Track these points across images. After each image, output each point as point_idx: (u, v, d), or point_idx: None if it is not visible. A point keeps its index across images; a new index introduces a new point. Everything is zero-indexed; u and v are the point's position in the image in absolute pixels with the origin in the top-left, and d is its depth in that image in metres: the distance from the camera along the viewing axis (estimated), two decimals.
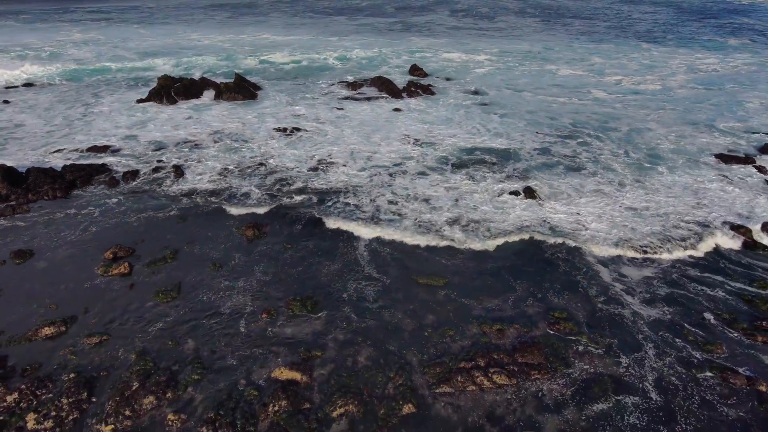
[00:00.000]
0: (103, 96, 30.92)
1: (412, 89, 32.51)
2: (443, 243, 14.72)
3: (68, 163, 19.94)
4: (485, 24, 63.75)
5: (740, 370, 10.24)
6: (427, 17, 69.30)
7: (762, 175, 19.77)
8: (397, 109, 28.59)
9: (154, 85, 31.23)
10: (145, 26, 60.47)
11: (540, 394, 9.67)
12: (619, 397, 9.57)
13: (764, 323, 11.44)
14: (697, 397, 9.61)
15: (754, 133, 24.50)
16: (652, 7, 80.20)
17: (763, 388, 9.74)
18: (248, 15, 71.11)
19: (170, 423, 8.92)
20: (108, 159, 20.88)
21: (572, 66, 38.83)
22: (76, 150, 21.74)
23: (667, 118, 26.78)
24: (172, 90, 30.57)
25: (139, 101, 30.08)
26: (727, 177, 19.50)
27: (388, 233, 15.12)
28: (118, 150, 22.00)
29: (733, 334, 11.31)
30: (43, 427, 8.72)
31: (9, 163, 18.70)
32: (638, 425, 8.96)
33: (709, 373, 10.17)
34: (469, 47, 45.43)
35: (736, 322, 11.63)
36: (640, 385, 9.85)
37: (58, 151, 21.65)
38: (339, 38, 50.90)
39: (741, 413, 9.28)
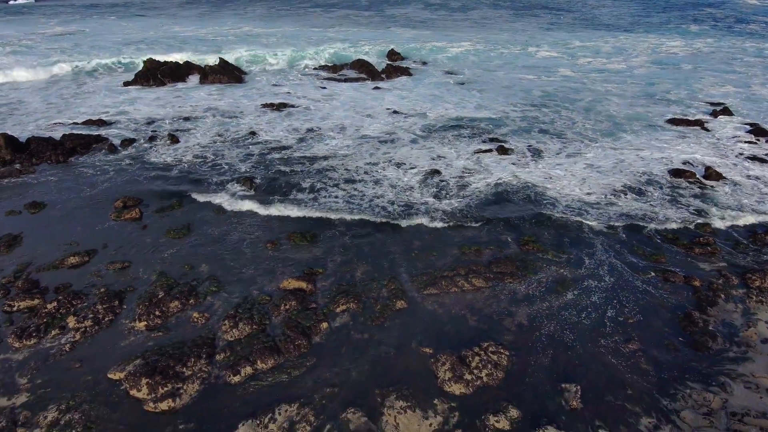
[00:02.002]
0: (88, 82, 31.52)
1: (391, 71, 34.04)
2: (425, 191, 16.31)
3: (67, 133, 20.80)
4: (460, 16, 65.76)
5: (678, 271, 12.10)
6: (403, 10, 70.92)
7: (708, 132, 21.97)
8: (377, 88, 30.13)
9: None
10: (125, 19, 60.43)
11: (512, 292, 11.34)
12: (577, 292, 11.31)
13: (701, 239, 13.36)
14: (641, 290, 11.43)
15: (705, 103, 26.86)
16: (617, 1, 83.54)
17: (697, 283, 11.60)
18: (226, 8, 71.50)
19: (195, 320, 10.26)
20: (104, 131, 21.82)
21: (548, 50, 40.97)
22: (74, 123, 22.57)
23: (628, 91, 29.04)
24: (159, 72, 31.41)
25: (126, 84, 30.86)
26: (679, 136, 21.64)
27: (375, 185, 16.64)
28: (112, 123, 22.94)
29: (675, 248, 13.20)
30: (83, 325, 9.95)
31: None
32: (592, 311, 10.70)
33: (652, 273, 12.00)
34: (454, 37, 47.15)
35: (678, 241, 13.52)
36: (595, 283, 11.61)
37: (55, 124, 22.47)
38: (323, 29, 52.07)
39: (679, 300, 11.11)
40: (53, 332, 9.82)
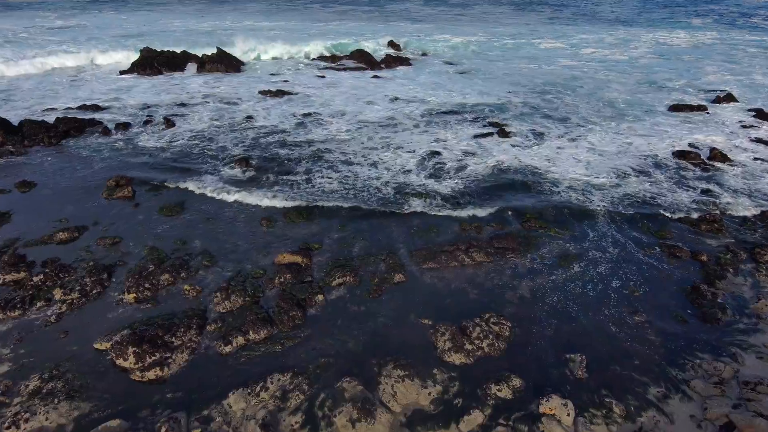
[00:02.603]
0: (84, 72, 31.19)
1: (390, 61, 33.72)
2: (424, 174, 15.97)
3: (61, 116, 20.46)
4: (460, 12, 65.49)
5: (684, 246, 11.76)
6: (402, 5, 70.69)
7: (711, 117, 21.64)
8: (376, 77, 29.81)
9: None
10: (125, 13, 60.15)
11: (514, 266, 11.00)
12: (581, 266, 10.97)
13: (707, 216, 13.01)
14: (647, 264, 11.09)
15: (707, 91, 26.54)
16: None
17: (704, 258, 11.25)
18: (227, 4, 71.22)
19: (186, 292, 9.92)
20: (98, 115, 21.48)
21: (549, 42, 40.66)
22: (67, 108, 22.24)
23: (629, 79, 28.72)
24: (156, 61, 31.08)
25: (122, 72, 30.54)
26: (682, 120, 21.30)
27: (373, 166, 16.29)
28: (106, 108, 22.61)
29: (681, 225, 12.85)
30: (70, 297, 9.61)
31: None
32: (597, 284, 10.35)
33: (657, 249, 11.66)
34: (454, 31, 46.82)
35: (685, 218, 13.17)
36: (599, 258, 11.27)
37: (49, 109, 22.13)
38: (323, 23, 51.79)
39: (686, 274, 10.77)
40: (39, 304, 9.49)
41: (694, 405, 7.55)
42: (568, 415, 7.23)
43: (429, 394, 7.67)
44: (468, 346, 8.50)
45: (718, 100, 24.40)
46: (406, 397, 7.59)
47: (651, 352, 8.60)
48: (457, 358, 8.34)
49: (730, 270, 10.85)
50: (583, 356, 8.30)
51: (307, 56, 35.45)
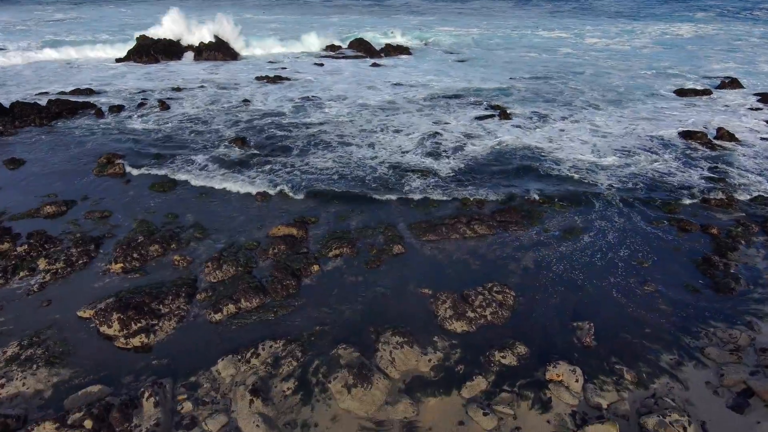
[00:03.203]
0: (79, 60, 30.79)
1: (390, 50, 33.33)
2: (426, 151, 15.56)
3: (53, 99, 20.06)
4: (460, 6, 65.07)
5: (693, 220, 11.34)
6: (403, 0, 70.29)
7: (716, 101, 21.23)
8: (375, 65, 29.41)
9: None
10: (124, 6, 59.74)
11: (518, 239, 10.59)
12: (587, 239, 10.55)
13: (717, 191, 12.59)
14: (655, 236, 10.68)
15: (710, 78, 26.13)
16: None
17: (714, 231, 10.83)
18: None
19: (176, 263, 9.51)
20: (92, 99, 21.07)
21: (549, 33, 40.26)
22: (61, 92, 21.83)
23: (632, 66, 28.30)
24: (152, 49, 30.68)
25: (118, 60, 30.16)
26: (687, 104, 20.89)
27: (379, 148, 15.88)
28: (101, 93, 22.21)
29: (691, 200, 12.44)
30: (54, 267, 9.19)
31: None
32: (604, 256, 9.94)
33: (666, 222, 11.25)
34: (455, 23, 46.43)
35: (694, 195, 12.76)
36: (606, 231, 10.86)
37: (42, 93, 21.73)
38: (323, 16, 51.40)
39: (696, 246, 10.36)
40: (21, 273, 9.08)
41: (710, 372, 7.14)
42: (577, 381, 6.82)
43: (429, 360, 7.26)
44: (470, 314, 8.09)
45: (722, 86, 23.99)
46: (405, 363, 7.18)
47: (662, 320, 8.18)
48: (458, 326, 7.92)
49: (742, 242, 10.43)
50: (591, 324, 7.89)
51: (306, 45, 34.96)
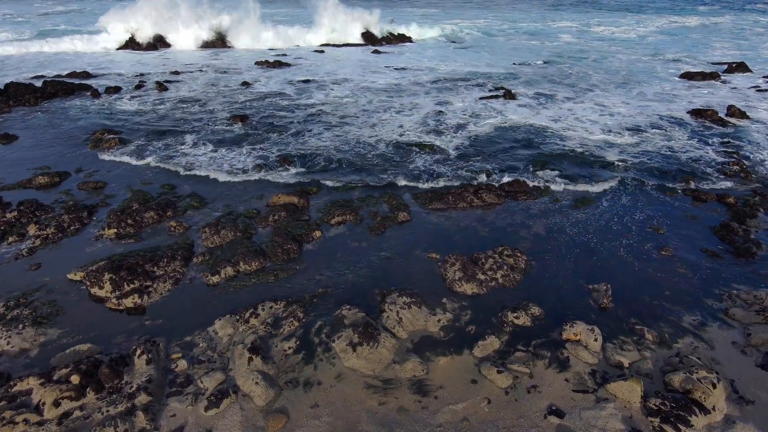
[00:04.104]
0: (77, 48, 30.37)
1: (392, 38, 32.96)
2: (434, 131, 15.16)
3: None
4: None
5: (708, 190, 10.94)
6: None
7: (724, 83, 20.84)
8: (377, 52, 29.00)
9: None
10: None
11: (528, 207, 10.20)
12: (600, 207, 10.16)
13: (731, 163, 12.20)
14: (671, 204, 10.28)
15: (717, 63, 25.73)
16: None
17: (731, 200, 10.44)
18: None
19: (172, 229, 9.11)
20: (88, 82, 20.69)
21: (556, 23, 39.84)
22: (57, 75, 21.44)
23: (637, 52, 27.91)
24: (152, 37, 30.27)
25: (117, 49, 29.75)
26: (695, 86, 20.49)
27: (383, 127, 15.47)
28: (98, 76, 21.83)
29: (705, 171, 12.03)
30: (45, 233, 8.80)
31: None
32: (618, 223, 9.54)
33: (680, 192, 10.86)
34: (462, 15, 46.02)
35: (708, 166, 12.36)
36: (619, 200, 10.49)
37: (38, 76, 21.34)
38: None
39: (712, 214, 9.96)
40: (10, 239, 8.69)
41: (736, 332, 6.74)
42: (596, 340, 6.41)
43: (438, 321, 6.86)
44: (480, 276, 7.69)
45: (730, 69, 23.61)
46: (413, 324, 6.78)
47: (682, 283, 7.79)
48: (468, 288, 7.52)
49: (761, 210, 10.03)
50: (608, 285, 7.48)
51: (306, 33, 34.52)
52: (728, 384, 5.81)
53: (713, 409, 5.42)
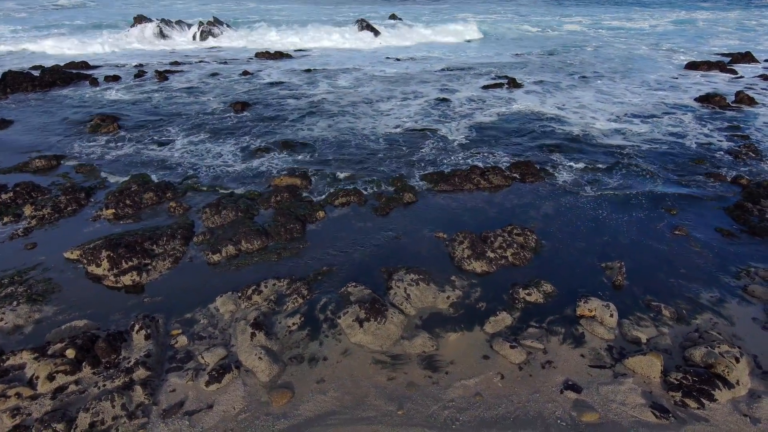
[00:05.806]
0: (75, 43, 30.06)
1: (399, 31, 32.60)
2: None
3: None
4: None
5: (721, 172, 10.70)
6: None
7: (730, 73, 20.57)
8: (381, 43, 28.72)
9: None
10: None
11: (536, 189, 9.95)
12: (610, 189, 9.93)
13: (743, 146, 11.95)
14: (684, 184, 10.03)
15: (722, 54, 25.43)
16: None
17: (744, 182, 10.19)
18: None
19: (172, 209, 8.88)
20: (88, 72, 20.45)
21: (561, 17, 39.62)
22: (55, 64, 21.20)
23: (642, 42, 27.63)
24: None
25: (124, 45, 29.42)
26: (701, 76, 20.23)
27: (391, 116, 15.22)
28: (97, 67, 21.59)
29: (717, 154, 11.79)
30: (41, 213, 8.57)
31: None
32: (630, 203, 9.31)
33: (691, 174, 10.60)
34: (471, 10, 45.65)
35: (719, 150, 12.11)
36: (631, 182, 10.25)
37: (36, 67, 21.11)
38: (333, 6, 50.75)
39: (726, 194, 9.71)
40: (6, 219, 8.47)
41: (756, 309, 6.50)
42: (611, 316, 6.17)
43: (447, 298, 6.62)
44: (490, 254, 7.45)
45: (736, 59, 23.33)
46: (422, 300, 6.54)
47: (698, 261, 7.55)
48: (477, 266, 7.28)
49: None
50: (622, 263, 7.24)
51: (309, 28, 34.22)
52: (751, 359, 5.57)
53: (737, 383, 5.18)
